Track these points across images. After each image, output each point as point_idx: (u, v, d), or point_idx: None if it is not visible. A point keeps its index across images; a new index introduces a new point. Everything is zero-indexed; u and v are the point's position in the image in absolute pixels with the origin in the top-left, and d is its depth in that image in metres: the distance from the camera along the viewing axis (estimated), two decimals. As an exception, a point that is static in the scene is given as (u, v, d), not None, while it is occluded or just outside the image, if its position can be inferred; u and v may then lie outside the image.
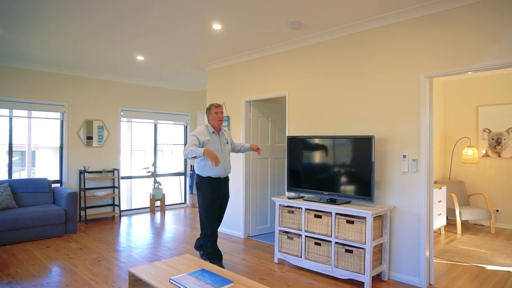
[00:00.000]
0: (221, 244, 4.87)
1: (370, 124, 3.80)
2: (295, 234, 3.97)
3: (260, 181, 5.45)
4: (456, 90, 6.36)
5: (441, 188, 5.32)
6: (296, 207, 3.98)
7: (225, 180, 3.99)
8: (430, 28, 3.38)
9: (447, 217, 5.78)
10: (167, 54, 5.20)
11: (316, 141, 4.04)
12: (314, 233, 3.76)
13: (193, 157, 3.57)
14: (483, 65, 3.07)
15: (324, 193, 3.89)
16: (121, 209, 6.96)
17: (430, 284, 3.46)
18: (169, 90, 7.73)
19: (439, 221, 5.27)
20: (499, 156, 5.92)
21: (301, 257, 3.87)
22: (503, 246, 4.80)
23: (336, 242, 3.60)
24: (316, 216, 3.76)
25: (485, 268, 3.93)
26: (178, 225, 6.17)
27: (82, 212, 6.36)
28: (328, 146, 3.94)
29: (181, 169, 8.20)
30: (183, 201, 8.19)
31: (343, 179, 3.81)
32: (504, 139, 5.87)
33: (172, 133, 8.26)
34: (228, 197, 4.07)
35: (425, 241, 3.39)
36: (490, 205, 5.56)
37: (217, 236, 3.98)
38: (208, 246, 3.91)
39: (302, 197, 4.13)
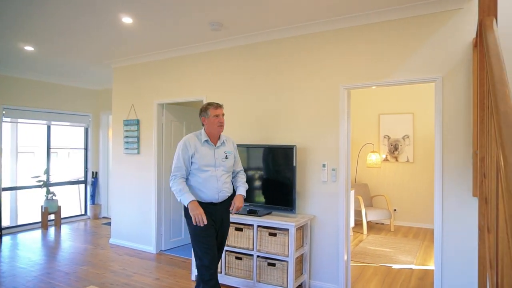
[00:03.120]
0: (129, 262, 4.37)
1: (292, 133, 3.76)
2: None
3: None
4: (360, 98, 6.81)
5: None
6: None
7: (222, 206, 2.82)
8: (351, 40, 3.46)
9: (354, 218, 6.14)
10: (64, 46, 4.47)
11: (239, 149, 3.84)
12: (235, 247, 3.57)
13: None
14: (397, 80, 3.23)
15: (245, 204, 3.73)
16: (2, 226, 5.84)
17: (347, 290, 3.54)
18: (66, 87, 6.76)
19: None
20: (397, 160, 6.52)
21: (221, 272, 3.63)
22: (403, 243, 5.26)
23: (258, 256, 3.46)
24: (237, 229, 3.56)
25: (391, 268, 4.21)
26: (77, 242, 5.40)
27: None
28: (249, 155, 3.79)
29: (80, 176, 7.28)
30: (83, 213, 7.28)
31: (265, 189, 3.70)
32: (401, 145, 6.48)
33: (70, 136, 7.26)
34: (226, 227, 2.90)
35: (343, 247, 3.46)
36: (390, 205, 6.08)
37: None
38: None
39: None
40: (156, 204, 4.82)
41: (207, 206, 2.72)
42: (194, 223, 2.57)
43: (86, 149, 7.27)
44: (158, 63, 4.85)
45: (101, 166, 7.29)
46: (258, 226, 3.45)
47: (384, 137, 6.62)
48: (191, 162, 2.74)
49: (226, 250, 3.61)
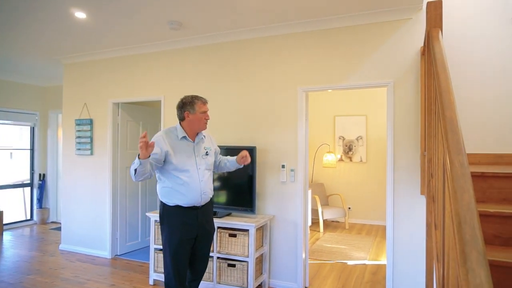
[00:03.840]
0: (82, 268, 4.17)
1: (253, 134, 3.79)
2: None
3: (130, 192, 4.90)
4: (316, 100, 7.02)
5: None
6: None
7: (204, 209, 2.57)
8: (311, 44, 3.55)
9: (311, 217, 6.31)
10: (10, 39, 4.17)
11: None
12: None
13: (142, 176, 2.34)
14: (352, 84, 3.37)
15: (205, 205, 3.70)
16: None
17: (305, 287, 3.63)
18: (10, 83, 6.29)
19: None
20: (351, 160, 6.79)
21: (180, 276, 3.58)
22: (357, 240, 5.49)
23: (219, 257, 3.45)
24: (197, 230, 3.53)
25: (346, 264, 4.38)
26: (22, 249, 5.05)
27: None
28: (209, 155, 3.76)
29: (25, 178, 6.81)
30: (28, 218, 6.81)
31: (225, 190, 3.69)
32: (355, 146, 6.76)
33: (13, 135, 6.77)
34: (210, 234, 2.65)
35: (301, 246, 3.54)
36: (344, 203, 6.33)
37: None
38: None
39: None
40: (111, 207, 4.64)
41: (188, 212, 2.47)
42: (141, 152, 2.19)
43: (32, 149, 6.81)
44: (114, 60, 4.67)
45: (50, 167, 6.87)
46: (218, 227, 3.44)
47: (339, 138, 6.87)
48: (167, 162, 2.45)
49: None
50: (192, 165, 2.50)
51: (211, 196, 2.65)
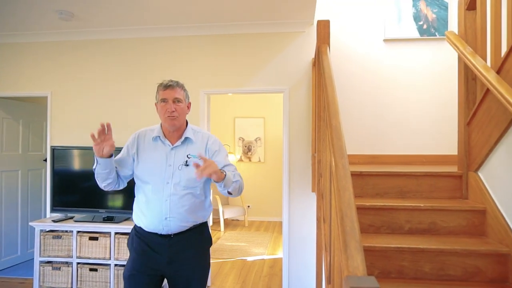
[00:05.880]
0: None
1: (152, 135, 3.69)
2: (63, 262, 3.35)
3: (6, 199, 4.29)
4: (217, 102, 7.14)
5: (209, 191, 5.85)
6: (64, 231, 3.37)
7: (174, 242, 1.82)
8: (213, 48, 3.61)
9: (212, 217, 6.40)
10: None
11: (92, 153, 3.54)
12: (89, 258, 3.29)
13: (104, 181, 1.88)
14: (252, 89, 3.55)
15: (100, 210, 3.48)
16: None
17: (208, 286, 3.69)
18: None
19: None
20: (250, 160, 7.09)
21: (71, 289, 3.30)
22: (256, 236, 5.77)
23: (116, 265, 3.28)
24: (91, 238, 3.30)
25: (246, 260, 4.58)
26: None
27: None
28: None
29: None
30: None
31: (121, 194, 3.52)
32: (253, 147, 7.08)
33: None
34: (189, 280, 1.85)
35: (203, 247, 3.59)
36: (244, 202, 6.58)
37: None
38: None
39: (71, 218, 3.54)
40: (-19, 218, 4.00)
41: (153, 239, 1.82)
42: (95, 142, 1.82)
43: None
44: (-15, 48, 4.03)
45: None
46: (116, 233, 3.27)
47: (239, 139, 7.11)
48: (135, 165, 1.91)
49: (78, 263, 3.29)
50: (158, 177, 1.81)
51: (188, 225, 1.84)
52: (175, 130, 1.87)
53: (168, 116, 1.82)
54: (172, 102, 1.83)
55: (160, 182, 1.81)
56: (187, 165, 1.82)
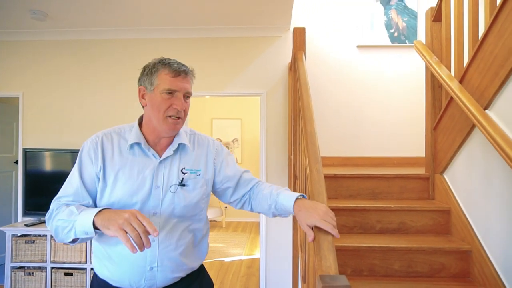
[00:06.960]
0: None
1: (129, 137, 3.66)
2: (37, 268, 3.28)
3: (-24, 204, 4.15)
4: (195, 103, 7.12)
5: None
6: (38, 235, 3.30)
7: None
8: (192, 50, 3.63)
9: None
10: None
11: (66, 155, 3.49)
12: (64, 262, 3.24)
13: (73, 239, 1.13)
14: (230, 92, 3.60)
15: (76, 214, 3.42)
16: None
17: (185, 289, 3.70)
18: None
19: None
20: (228, 161, 7.11)
21: (45, 294, 3.24)
22: (233, 237, 5.81)
23: (92, 268, 3.23)
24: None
25: (224, 261, 4.62)
26: None
27: None
28: (63, 161, 3.49)
29: None
30: None
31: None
32: (231, 148, 7.11)
33: None
34: None
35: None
36: (221, 203, 6.60)
37: None
38: None
39: (45, 222, 3.46)
40: None
41: None
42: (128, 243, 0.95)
43: None
44: (-48, 47, 3.88)
45: None
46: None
47: (217, 140, 7.12)
48: (99, 191, 1.22)
49: (53, 268, 3.24)
50: (140, 206, 1.19)
51: (184, 274, 1.25)
52: (163, 135, 1.26)
53: (172, 117, 1.21)
54: (183, 96, 1.24)
55: (147, 214, 1.19)
56: (183, 185, 1.25)
